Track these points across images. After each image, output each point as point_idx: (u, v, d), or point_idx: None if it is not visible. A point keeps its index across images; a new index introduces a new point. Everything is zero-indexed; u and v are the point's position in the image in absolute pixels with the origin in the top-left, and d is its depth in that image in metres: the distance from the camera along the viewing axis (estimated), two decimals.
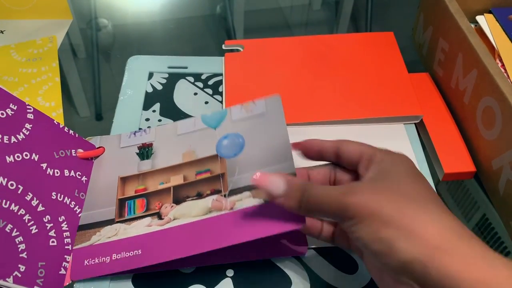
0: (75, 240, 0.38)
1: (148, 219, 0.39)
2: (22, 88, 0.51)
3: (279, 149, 0.38)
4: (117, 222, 0.39)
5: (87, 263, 0.36)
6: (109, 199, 0.40)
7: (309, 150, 0.36)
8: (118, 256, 0.36)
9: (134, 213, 0.39)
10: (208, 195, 0.39)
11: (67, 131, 0.41)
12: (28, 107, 0.38)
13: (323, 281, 0.37)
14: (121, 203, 0.40)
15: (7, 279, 0.32)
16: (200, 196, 0.39)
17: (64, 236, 0.37)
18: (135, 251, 0.37)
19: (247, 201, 0.37)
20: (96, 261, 0.37)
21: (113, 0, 0.68)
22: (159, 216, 0.39)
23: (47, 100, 0.50)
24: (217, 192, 0.39)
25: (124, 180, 0.41)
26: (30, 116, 0.38)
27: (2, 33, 0.58)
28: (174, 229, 0.37)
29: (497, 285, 0.24)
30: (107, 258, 0.37)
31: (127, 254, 0.36)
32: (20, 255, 0.34)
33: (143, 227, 0.38)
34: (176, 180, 0.41)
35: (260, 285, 0.37)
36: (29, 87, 0.51)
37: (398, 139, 0.47)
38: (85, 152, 0.42)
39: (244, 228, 0.35)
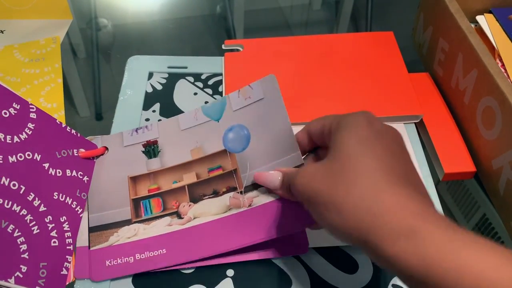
0: (91, 241, 0.38)
1: (167, 218, 0.39)
2: (25, 89, 0.51)
3: (284, 139, 0.38)
4: (135, 222, 0.39)
5: (109, 264, 0.37)
6: (121, 199, 0.40)
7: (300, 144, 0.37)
8: (142, 256, 0.37)
9: (151, 212, 0.40)
10: (224, 192, 0.39)
11: (69, 130, 0.41)
12: (31, 106, 0.38)
13: (323, 281, 0.37)
14: (136, 203, 0.40)
15: (8, 279, 0.32)
16: (216, 194, 0.40)
17: (66, 236, 0.37)
18: (159, 251, 0.37)
19: (264, 197, 0.38)
20: (119, 261, 0.37)
21: (113, 0, 0.68)
22: (178, 215, 0.39)
23: (49, 101, 0.50)
24: (233, 189, 0.39)
25: (134, 179, 0.41)
26: (33, 115, 0.38)
27: (2, 33, 0.58)
28: (196, 228, 0.38)
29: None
30: (131, 258, 0.37)
31: (151, 254, 0.37)
32: (22, 256, 0.34)
33: (164, 226, 0.39)
34: (189, 178, 0.41)
35: (260, 285, 0.37)
36: (32, 88, 0.51)
37: None
38: (87, 152, 0.42)
39: (268, 226, 0.36)
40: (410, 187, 0.27)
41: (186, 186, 0.40)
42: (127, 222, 0.39)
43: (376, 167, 0.28)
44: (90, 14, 0.64)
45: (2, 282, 0.32)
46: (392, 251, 0.25)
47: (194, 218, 0.38)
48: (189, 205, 0.39)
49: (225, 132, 0.41)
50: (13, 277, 0.33)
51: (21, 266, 0.33)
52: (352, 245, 0.28)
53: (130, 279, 0.37)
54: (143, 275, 0.37)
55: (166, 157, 0.42)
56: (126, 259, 0.37)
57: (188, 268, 0.38)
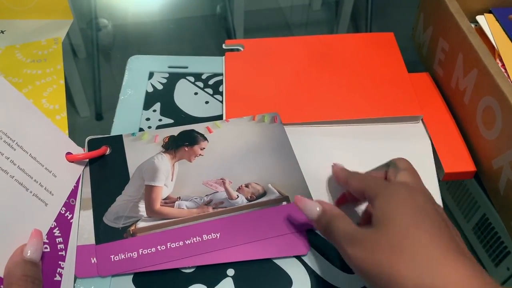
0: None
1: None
2: (26, 90, 0.51)
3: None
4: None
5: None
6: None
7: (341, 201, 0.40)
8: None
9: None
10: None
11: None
12: None
13: (324, 281, 0.37)
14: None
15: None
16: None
17: (57, 242, 0.37)
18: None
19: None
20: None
21: (113, 0, 0.68)
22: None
23: (51, 102, 0.50)
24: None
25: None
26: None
27: (3, 33, 0.58)
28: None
29: None
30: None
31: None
32: None
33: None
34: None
35: (260, 285, 0.37)
36: (34, 89, 0.51)
37: (399, 139, 0.47)
38: (73, 156, 0.41)
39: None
40: (465, 258, 0.28)
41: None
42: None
43: (432, 240, 0.29)
44: (91, 14, 0.64)
45: None
46: None
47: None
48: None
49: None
50: None
51: None
52: None
53: (130, 278, 0.37)
54: (144, 274, 0.37)
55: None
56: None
57: (189, 268, 0.38)
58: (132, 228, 0.39)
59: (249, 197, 0.41)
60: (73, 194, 0.40)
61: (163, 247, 0.38)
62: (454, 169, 0.44)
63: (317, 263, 0.38)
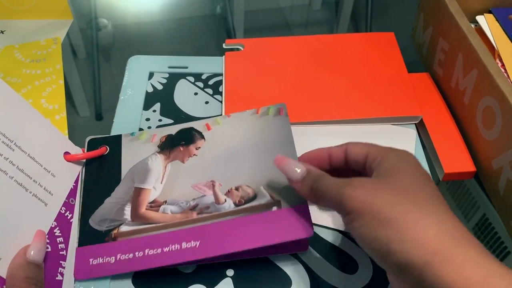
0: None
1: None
2: (26, 90, 0.51)
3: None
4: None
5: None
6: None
7: (316, 160, 0.36)
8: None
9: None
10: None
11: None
12: None
13: (323, 281, 0.37)
14: None
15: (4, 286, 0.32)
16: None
17: (58, 242, 0.37)
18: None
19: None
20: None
21: (113, 0, 0.68)
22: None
23: (50, 102, 0.50)
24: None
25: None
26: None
27: (2, 33, 0.58)
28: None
29: None
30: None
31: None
32: None
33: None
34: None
35: (260, 285, 0.37)
36: (33, 89, 0.51)
37: (399, 139, 0.47)
38: (72, 155, 0.41)
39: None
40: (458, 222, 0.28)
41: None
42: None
43: (439, 197, 0.29)
44: (90, 15, 0.64)
45: None
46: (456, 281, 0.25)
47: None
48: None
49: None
50: None
51: None
52: (387, 265, 0.28)
53: (130, 279, 0.37)
54: (143, 275, 0.37)
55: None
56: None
57: (188, 268, 0.38)
58: (115, 231, 0.38)
59: (237, 202, 0.38)
60: (73, 193, 0.40)
61: (140, 254, 0.36)
62: (454, 169, 0.44)
63: (316, 263, 0.38)
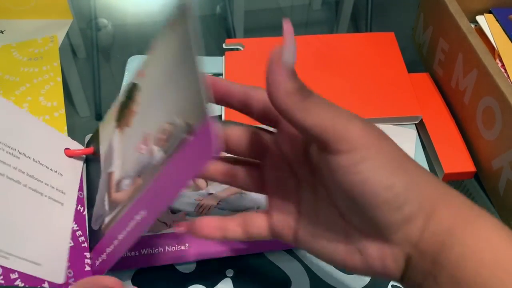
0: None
1: None
2: (24, 88, 0.51)
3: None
4: None
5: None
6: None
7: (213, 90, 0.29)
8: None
9: None
10: None
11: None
12: None
13: (323, 281, 0.37)
14: None
15: (43, 285, 0.33)
16: None
17: (78, 235, 0.38)
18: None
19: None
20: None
21: (113, 0, 0.68)
22: None
23: (49, 100, 0.50)
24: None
25: None
26: None
27: (2, 33, 0.58)
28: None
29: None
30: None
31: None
32: None
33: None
34: None
35: (259, 285, 0.37)
36: (31, 87, 0.51)
37: (399, 139, 0.47)
38: (73, 151, 0.42)
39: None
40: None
41: None
42: None
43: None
44: (90, 15, 0.64)
45: None
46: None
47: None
48: None
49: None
50: (46, 282, 0.33)
51: None
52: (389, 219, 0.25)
53: (130, 279, 0.37)
54: (143, 275, 0.37)
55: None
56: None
57: (188, 268, 0.38)
58: (103, 226, 0.36)
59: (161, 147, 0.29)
60: (80, 187, 0.41)
61: (117, 242, 0.34)
62: (454, 169, 0.44)
63: (316, 264, 0.38)
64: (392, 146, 0.26)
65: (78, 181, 0.41)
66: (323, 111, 0.25)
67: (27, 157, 0.37)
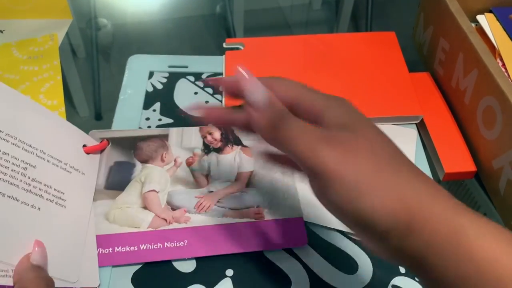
0: None
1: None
2: (24, 86, 0.51)
3: None
4: None
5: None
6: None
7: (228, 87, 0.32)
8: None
9: None
10: None
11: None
12: None
13: (323, 281, 0.37)
14: None
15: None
16: None
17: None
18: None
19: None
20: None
21: (113, 0, 0.68)
22: None
23: (49, 98, 0.50)
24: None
25: None
26: None
27: (2, 32, 0.58)
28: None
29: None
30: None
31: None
32: None
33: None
34: None
35: (259, 285, 0.37)
36: (31, 85, 0.51)
37: (399, 139, 0.47)
38: (91, 147, 0.42)
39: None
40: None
41: None
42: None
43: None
44: (90, 14, 0.64)
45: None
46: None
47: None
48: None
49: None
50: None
51: None
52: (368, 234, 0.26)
53: (129, 279, 0.37)
54: (142, 274, 0.37)
55: None
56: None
57: (188, 267, 0.38)
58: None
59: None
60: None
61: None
62: (455, 169, 0.44)
63: (316, 264, 0.38)
64: (366, 159, 0.25)
65: (96, 178, 0.42)
66: (295, 144, 0.26)
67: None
